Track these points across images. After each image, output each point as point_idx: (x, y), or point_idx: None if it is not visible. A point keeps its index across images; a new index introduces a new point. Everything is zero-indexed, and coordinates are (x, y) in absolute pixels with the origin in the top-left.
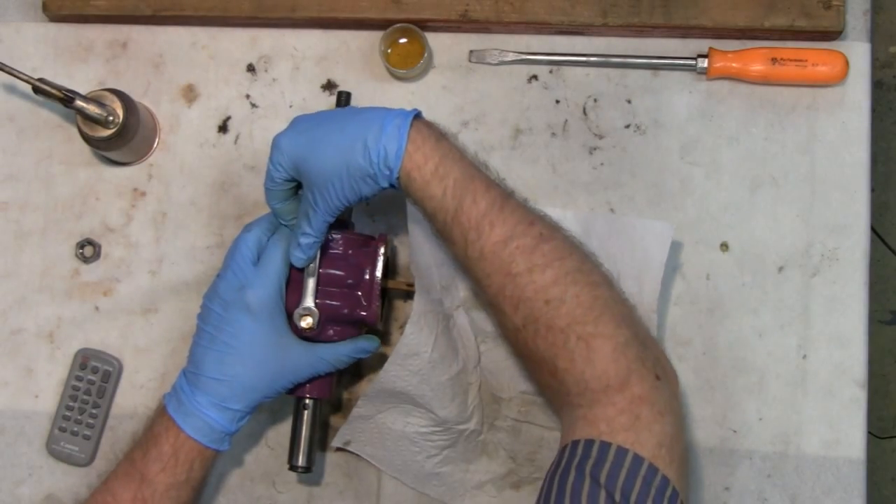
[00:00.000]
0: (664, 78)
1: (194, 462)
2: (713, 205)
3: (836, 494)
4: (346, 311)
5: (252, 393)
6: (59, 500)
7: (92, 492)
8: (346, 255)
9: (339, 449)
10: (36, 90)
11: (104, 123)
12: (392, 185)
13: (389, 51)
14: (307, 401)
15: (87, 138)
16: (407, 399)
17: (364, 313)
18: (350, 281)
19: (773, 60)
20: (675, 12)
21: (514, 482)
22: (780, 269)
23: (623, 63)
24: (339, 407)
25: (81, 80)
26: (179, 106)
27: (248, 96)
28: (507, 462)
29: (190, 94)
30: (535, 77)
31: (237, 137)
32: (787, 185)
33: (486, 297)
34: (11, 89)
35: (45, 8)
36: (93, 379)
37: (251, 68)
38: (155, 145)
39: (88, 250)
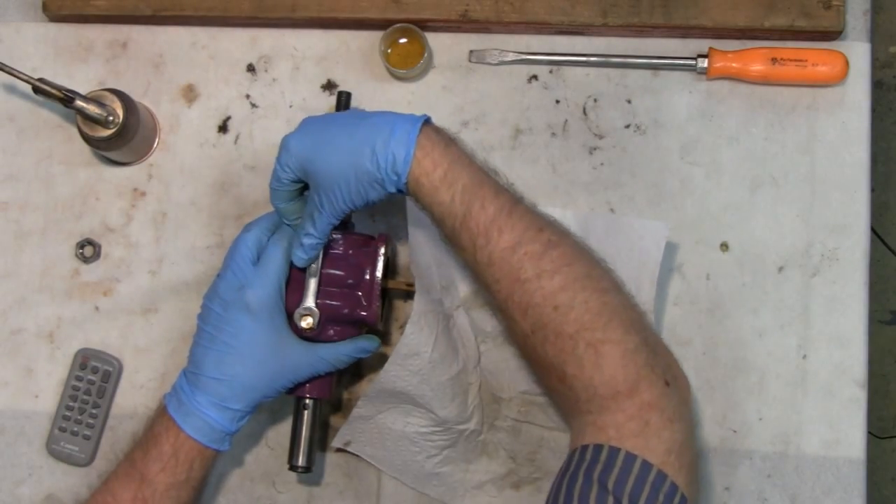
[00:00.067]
0: (664, 78)
1: (194, 462)
2: (713, 205)
3: (836, 494)
4: (346, 311)
5: (252, 392)
6: (59, 500)
7: (92, 492)
8: (346, 255)
9: (339, 449)
10: (36, 90)
11: (104, 123)
12: (400, 191)
13: (389, 51)
14: (307, 401)
15: (87, 138)
16: (407, 399)
17: (364, 313)
18: (350, 281)
19: (773, 60)
20: (675, 12)
21: (514, 482)
22: (780, 269)
23: (623, 63)
24: (339, 407)
25: (81, 80)
26: (179, 106)
27: (248, 96)
28: (507, 462)
29: (190, 94)
30: (535, 77)
31: (237, 137)
32: (787, 185)
33: (495, 303)
34: (11, 89)
35: (45, 8)
36: (93, 379)
37: (251, 68)
38: (155, 145)
39: (88, 250)
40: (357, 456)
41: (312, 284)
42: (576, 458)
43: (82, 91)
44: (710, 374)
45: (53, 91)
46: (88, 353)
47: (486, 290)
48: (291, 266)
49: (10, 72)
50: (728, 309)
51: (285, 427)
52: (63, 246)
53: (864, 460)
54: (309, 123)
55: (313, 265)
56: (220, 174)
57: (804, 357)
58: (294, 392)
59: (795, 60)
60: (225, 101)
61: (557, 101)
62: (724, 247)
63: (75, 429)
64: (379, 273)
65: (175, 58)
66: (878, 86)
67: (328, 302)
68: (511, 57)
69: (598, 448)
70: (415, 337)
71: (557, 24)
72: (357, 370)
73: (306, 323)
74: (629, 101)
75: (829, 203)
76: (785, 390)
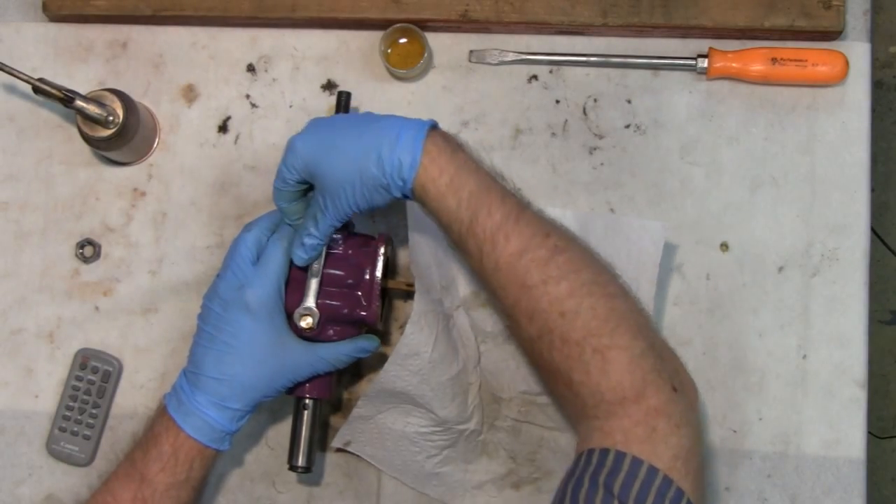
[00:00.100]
0: (664, 78)
1: (194, 461)
2: (713, 205)
3: (836, 494)
4: (345, 310)
5: (251, 392)
6: (59, 500)
7: (92, 493)
8: (346, 255)
9: (339, 449)
10: (36, 90)
11: (104, 123)
12: (406, 196)
13: (389, 51)
14: (307, 401)
15: (87, 138)
16: (407, 399)
17: (364, 313)
18: (350, 281)
19: (773, 60)
20: (675, 12)
21: (514, 482)
22: (780, 269)
23: (623, 63)
24: (339, 407)
25: (81, 80)
26: (179, 106)
27: (248, 96)
28: (507, 462)
29: (190, 94)
30: (535, 77)
31: (237, 137)
32: (787, 185)
33: (502, 309)
34: (11, 89)
35: (45, 8)
36: (93, 379)
37: (251, 68)
38: (155, 145)
39: (88, 250)
40: (357, 456)
41: (314, 284)
42: (582, 462)
43: (82, 91)
44: (710, 374)
45: (53, 91)
46: (88, 353)
47: (492, 296)
48: (291, 266)
49: (10, 72)
50: (728, 309)
51: (285, 427)
52: (63, 246)
53: (864, 460)
54: (316, 125)
55: (315, 265)
56: (220, 174)
57: (804, 357)
58: (294, 392)
59: (795, 60)
60: (225, 101)
61: (557, 101)
62: (724, 247)
63: (75, 429)
64: (378, 273)
65: (175, 58)
66: (878, 86)
67: (328, 302)
68: (511, 57)
69: (605, 452)
70: (415, 337)
71: (557, 24)
72: (357, 370)
73: (306, 323)
74: (629, 101)
75: (829, 203)
76: (785, 390)
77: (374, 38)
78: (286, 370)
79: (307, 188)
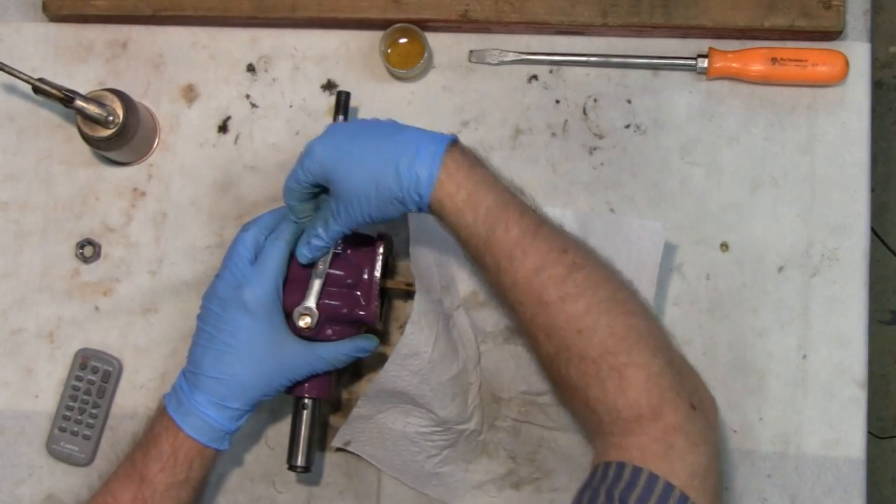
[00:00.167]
0: (664, 78)
1: (194, 461)
2: (713, 205)
3: (836, 494)
4: (344, 310)
5: (250, 391)
6: (59, 501)
7: (93, 493)
8: (345, 254)
9: (339, 449)
10: (36, 90)
11: (104, 123)
12: (421, 209)
13: (389, 51)
14: (306, 401)
15: (87, 138)
16: (407, 399)
17: (363, 313)
18: (349, 281)
19: (773, 60)
20: (675, 12)
21: (514, 482)
22: (780, 269)
23: (623, 63)
24: (339, 407)
25: (81, 80)
26: (179, 106)
27: (248, 96)
28: (507, 462)
29: (190, 94)
30: (535, 77)
31: (237, 137)
32: (787, 185)
33: (520, 324)
34: (11, 89)
35: (45, 8)
36: (93, 379)
37: (251, 68)
38: (155, 145)
39: (88, 250)
40: (357, 456)
41: (317, 285)
42: (598, 476)
43: (82, 91)
44: (710, 374)
45: (53, 91)
46: (88, 353)
47: (510, 312)
48: (289, 265)
49: (10, 72)
50: (728, 309)
51: (285, 427)
52: (63, 246)
53: (864, 460)
54: (335, 131)
55: (320, 266)
56: (220, 174)
57: (804, 357)
58: (293, 392)
59: (795, 60)
60: (225, 101)
61: (557, 101)
62: (724, 247)
63: (75, 429)
64: (378, 273)
65: (175, 58)
66: (878, 86)
67: (327, 301)
68: (511, 57)
69: (621, 466)
70: (415, 337)
71: (557, 24)
72: (357, 370)
73: (304, 322)
74: (629, 101)
75: (829, 203)
76: (785, 390)
77: (374, 38)
78: (285, 369)
79: (319, 191)
